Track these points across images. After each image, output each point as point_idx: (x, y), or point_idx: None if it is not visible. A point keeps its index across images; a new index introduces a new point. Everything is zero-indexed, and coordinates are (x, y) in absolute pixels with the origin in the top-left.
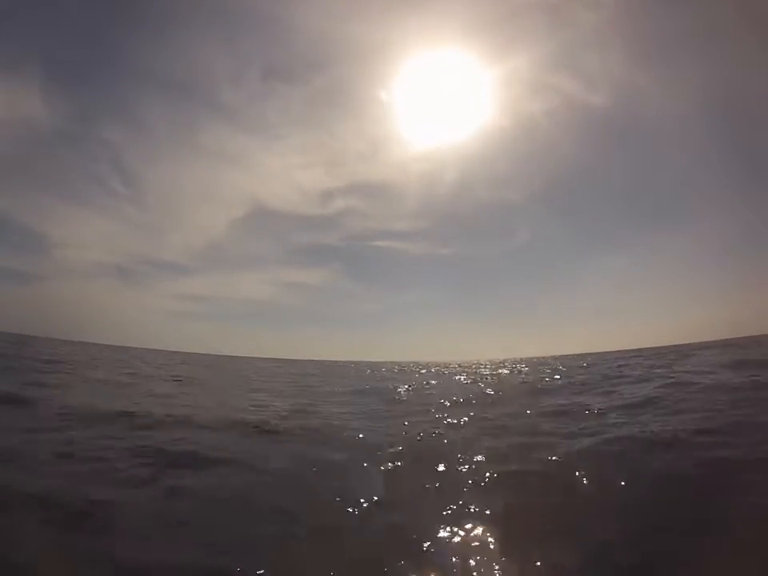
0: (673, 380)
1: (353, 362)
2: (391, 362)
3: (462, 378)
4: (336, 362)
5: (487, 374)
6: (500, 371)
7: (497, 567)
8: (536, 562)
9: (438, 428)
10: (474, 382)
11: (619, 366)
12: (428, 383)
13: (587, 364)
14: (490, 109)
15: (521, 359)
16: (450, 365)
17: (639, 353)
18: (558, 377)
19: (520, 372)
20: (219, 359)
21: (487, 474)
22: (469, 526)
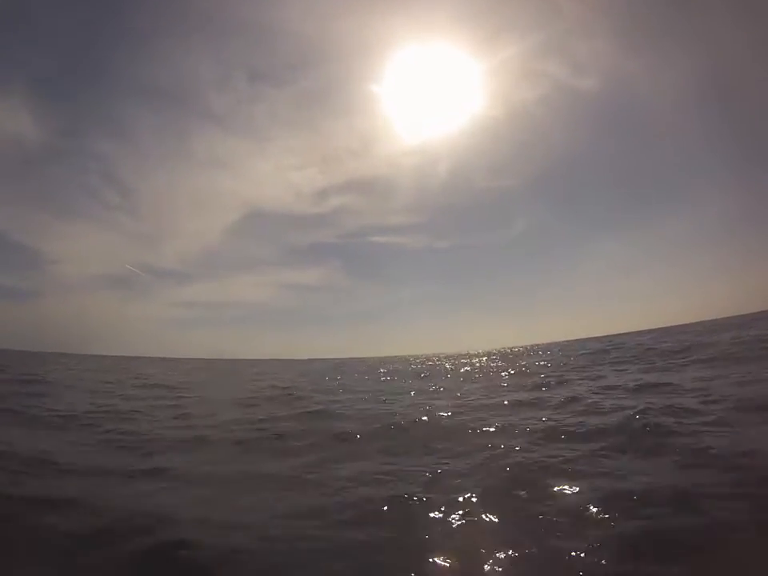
0: None
1: (359, 359)
2: (399, 357)
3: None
4: (343, 359)
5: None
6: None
7: None
8: None
9: None
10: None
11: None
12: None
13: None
14: (480, 99)
15: (526, 346)
16: (462, 355)
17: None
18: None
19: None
20: (231, 363)
21: None
22: None
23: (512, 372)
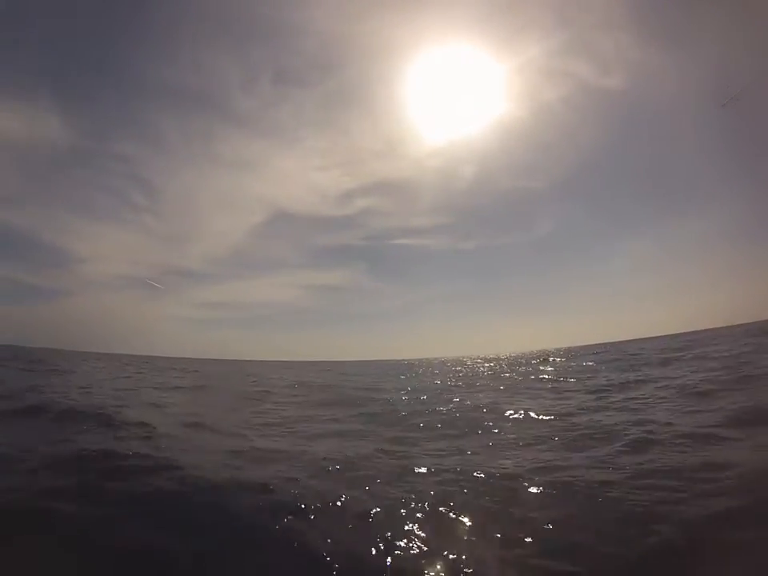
0: None
1: (384, 361)
2: (425, 359)
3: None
4: (368, 361)
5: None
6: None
7: None
8: None
9: None
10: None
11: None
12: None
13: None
14: (505, 99)
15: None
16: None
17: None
18: None
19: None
20: (258, 365)
21: None
22: None
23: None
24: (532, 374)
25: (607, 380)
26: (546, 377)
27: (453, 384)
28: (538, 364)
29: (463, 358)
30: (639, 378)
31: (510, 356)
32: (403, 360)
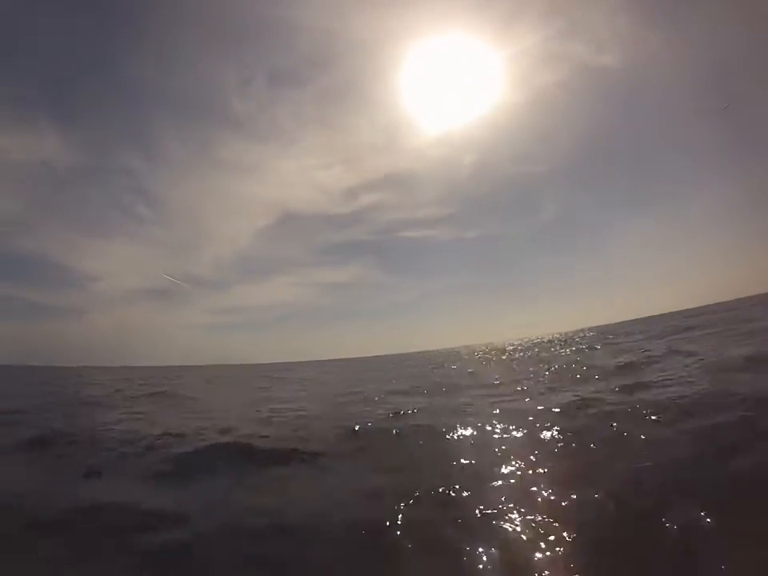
0: None
1: (403, 354)
2: (445, 350)
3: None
4: (384, 356)
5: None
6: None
7: None
8: None
9: None
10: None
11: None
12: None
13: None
14: (501, 85)
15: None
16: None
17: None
18: None
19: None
20: (284, 366)
21: None
22: None
23: None
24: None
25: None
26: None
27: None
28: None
29: (487, 344)
30: None
31: (535, 340)
32: (429, 351)
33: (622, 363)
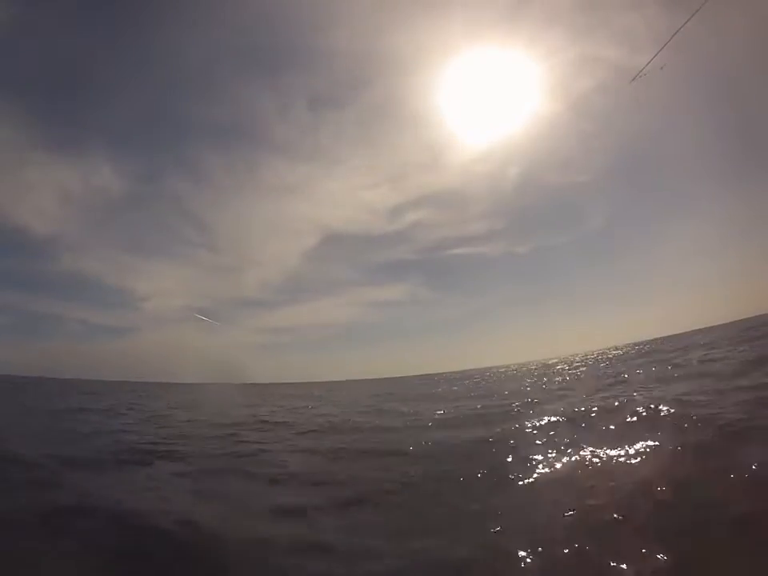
0: None
1: (455, 372)
2: (494, 367)
3: None
4: (437, 374)
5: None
6: None
7: None
8: None
9: None
10: None
11: None
12: None
13: None
14: (539, 95)
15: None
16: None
17: None
18: None
19: None
20: (328, 385)
21: None
22: None
23: None
24: None
25: None
26: None
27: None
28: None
29: (550, 360)
30: None
31: (602, 353)
32: (485, 368)
33: None
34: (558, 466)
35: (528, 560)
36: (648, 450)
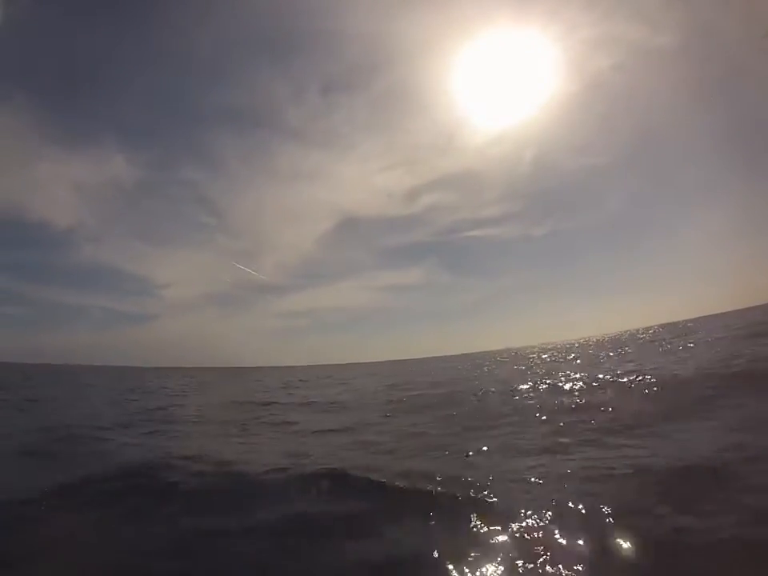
0: None
1: (471, 354)
2: (510, 349)
3: None
4: (452, 356)
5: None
6: None
7: None
8: None
9: None
10: None
11: None
12: None
13: None
14: (555, 76)
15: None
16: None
17: None
18: None
19: None
20: (337, 368)
21: None
22: None
23: None
24: None
25: None
26: None
27: None
28: None
29: (570, 341)
30: None
31: (621, 335)
32: (504, 350)
33: None
34: None
35: None
36: None
